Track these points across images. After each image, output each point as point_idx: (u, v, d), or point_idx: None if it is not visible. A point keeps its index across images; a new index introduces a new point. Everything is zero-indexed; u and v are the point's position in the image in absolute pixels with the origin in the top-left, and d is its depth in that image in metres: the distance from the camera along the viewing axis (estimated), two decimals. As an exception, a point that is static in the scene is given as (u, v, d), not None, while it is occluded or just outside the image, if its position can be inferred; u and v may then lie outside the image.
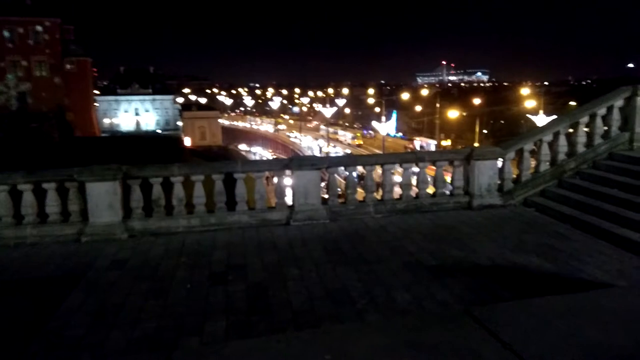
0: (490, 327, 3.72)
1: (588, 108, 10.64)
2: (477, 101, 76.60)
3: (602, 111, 10.53)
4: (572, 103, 57.12)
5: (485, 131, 73.16)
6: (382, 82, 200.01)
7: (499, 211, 9.66)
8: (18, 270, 7.29)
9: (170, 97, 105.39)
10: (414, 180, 10.12)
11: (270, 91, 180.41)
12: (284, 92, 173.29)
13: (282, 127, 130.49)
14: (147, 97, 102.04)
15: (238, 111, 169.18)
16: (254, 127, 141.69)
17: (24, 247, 8.24)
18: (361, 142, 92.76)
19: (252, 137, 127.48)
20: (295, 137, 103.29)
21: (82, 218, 8.65)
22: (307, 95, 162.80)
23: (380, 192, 10.07)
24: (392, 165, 9.92)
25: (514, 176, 10.37)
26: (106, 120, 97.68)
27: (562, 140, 10.38)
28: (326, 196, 9.89)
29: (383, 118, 65.25)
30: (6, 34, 63.30)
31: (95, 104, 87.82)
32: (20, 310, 5.94)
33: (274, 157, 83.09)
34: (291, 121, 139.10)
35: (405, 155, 11.90)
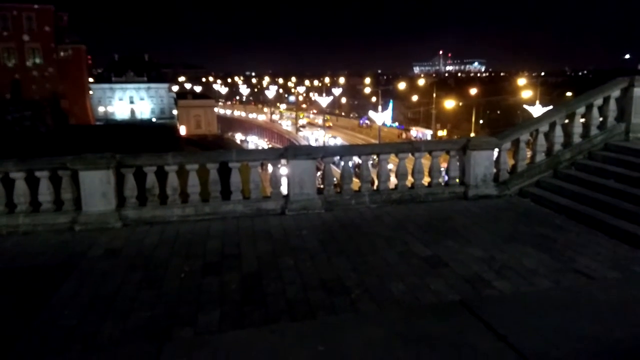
0: (485, 319, 3.71)
1: (584, 99, 10.60)
2: (473, 91, 76.48)
3: (598, 102, 10.50)
4: (569, 94, 57.07)
5: (481, 121, 73.14)
6: (379, 71, 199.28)
7: (495, 201, 9.65)
8: (10, 259, 7.22)
9: (166, 85, 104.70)
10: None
11: (266, 80, 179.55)
12: (280, 81, 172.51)
13: (302, 121, 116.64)
14: (142, 85, 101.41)
15: (234, 100, 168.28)
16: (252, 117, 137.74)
17: (16, 235, 8.16)
18: (330, 125, 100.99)
19: (247, 126, 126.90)
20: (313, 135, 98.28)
21: (75, 207, 8.58)
22: (303, 85, 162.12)
23: (376, 182, 10.04)
24: (388, 155, 9.88)
25: (510, 166, 10.35)
26: (101, 109, 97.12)
27: (558, 131, 10.35)
28: (322, 186, 9.85)
29: (379, 108, 65.13)
30: (-1, 20, 62.57)
31: (89, 92, 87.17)
32: (12, 300, 5.89)
33: (270, 146, 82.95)
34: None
35: (402, 145, 11.83)
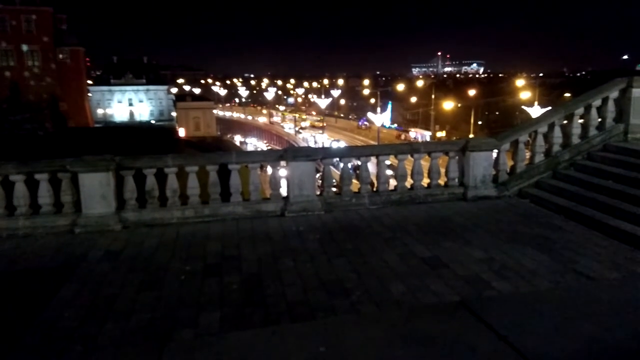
0: (485, 319, 3.71)
1: (583, 99, 10.63)
2: (472, 92, 76.60)
3: (597, 103, 10.52)
4: (567, 95, 57.14)
5: (480, 122, 73.21)
6: (378, 72, 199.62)
7: (494, 202, 9.66)
8: (10, 262, 7.22)
9: (164, 87, 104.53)
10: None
11: (265, 82, 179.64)
12: (279, 82, 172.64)
13: (305, 124, 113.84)
14: (140, 88, 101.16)
15: (233, 102, 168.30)
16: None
17: (16, 238, 8.16)
18: (324, 125, 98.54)
19: (247, 128, 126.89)
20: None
21: (75, 209, 8.58)
22: (302, 86, 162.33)
23: (375, 183, 10.05)
24: (387, 157, 9.89)
25: (509, 167, 10.37)
26: (100, 111, 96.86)
27: (557, 132, 10.37)
28: (321, 188, 9.86)
29: (378, 109, 65.19)
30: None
31: (88, 94, 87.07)
32: (12, 302, 5.89)
33: (269, 148, 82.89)
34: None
35: (401, 146, 11.83)
